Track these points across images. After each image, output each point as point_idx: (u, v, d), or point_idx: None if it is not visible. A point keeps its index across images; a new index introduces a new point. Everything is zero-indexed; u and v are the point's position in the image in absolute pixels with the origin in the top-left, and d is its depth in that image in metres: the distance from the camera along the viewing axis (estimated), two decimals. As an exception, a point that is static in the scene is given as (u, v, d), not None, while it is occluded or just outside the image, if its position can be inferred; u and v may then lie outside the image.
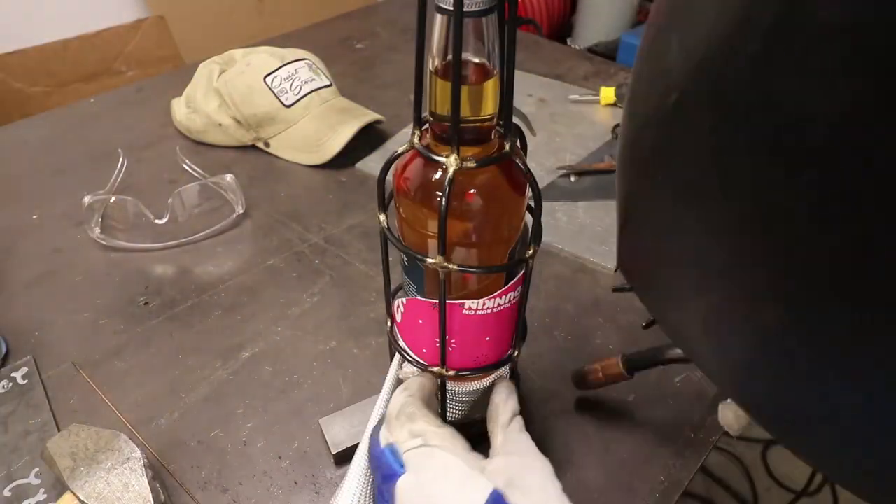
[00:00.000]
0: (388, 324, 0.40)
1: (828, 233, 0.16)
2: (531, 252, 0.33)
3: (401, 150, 0.31)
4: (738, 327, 0.23)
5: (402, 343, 0.39)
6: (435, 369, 0.37)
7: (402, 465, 0.31)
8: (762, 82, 0.16)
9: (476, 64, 0.28)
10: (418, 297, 0.35)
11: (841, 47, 0.14)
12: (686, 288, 0.25)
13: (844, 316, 0.18)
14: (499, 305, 0.34)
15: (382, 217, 0.34)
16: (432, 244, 0.32)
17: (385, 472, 0.31)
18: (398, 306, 0.37)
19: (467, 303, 0.33)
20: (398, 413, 0.33)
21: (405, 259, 0.34)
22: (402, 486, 0.30)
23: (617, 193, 0.30)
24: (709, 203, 0.21)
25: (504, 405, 0.35)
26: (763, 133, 0.17)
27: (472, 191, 0.31)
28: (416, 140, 0.30)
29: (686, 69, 0.19)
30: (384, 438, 0.32)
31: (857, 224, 0.16)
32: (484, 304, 0.34)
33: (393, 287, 0.39)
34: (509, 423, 0.34)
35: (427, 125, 0.31)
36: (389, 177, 0.33)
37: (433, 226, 0.31)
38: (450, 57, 0.26)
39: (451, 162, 0.28)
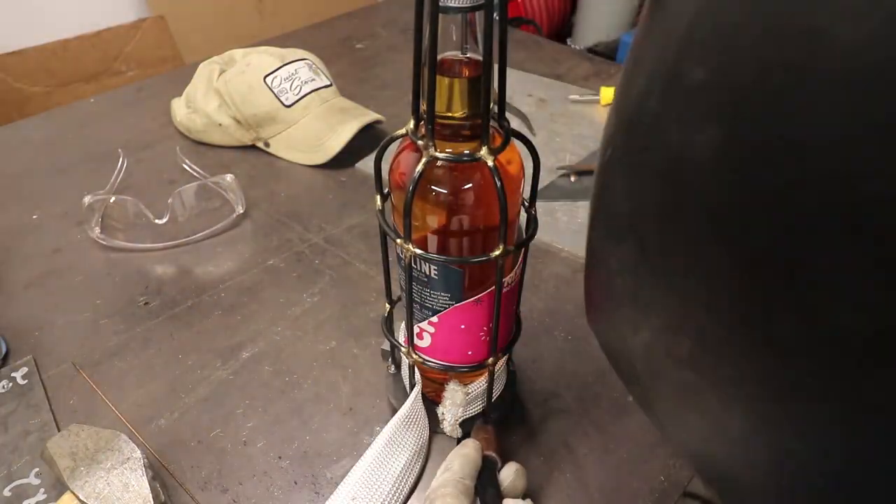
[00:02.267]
0: (409, 352, 0.39)
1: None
2: (501, 251, 0.32)
3: (397, 132, 0.32)
4: None
5: (436, 363, 0.38)
6: (490, 360, 0.38)
7: None
8: (658, 131, 0.20)
9: (455, 61, 0.28)
10: (456, 305, 0.35)
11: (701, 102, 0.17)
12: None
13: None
14: (512, 281, 0.36)
15: (378, 199, 0.34)
16: (430, 239, 0.32)
17: None
18: (423, 329, 0.37)
19: (506, 279, 0.34)
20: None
21: (434, 272, 0.33)
22: None
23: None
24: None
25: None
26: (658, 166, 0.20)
27: (441, 182, 0.31)
28: (410, 125, 0.31)
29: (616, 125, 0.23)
30: None
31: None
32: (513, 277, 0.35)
33: (394, 294, 0.39)
34: None
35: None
36: (386, 175, 0.33)
37: (420, 216, 0.31)
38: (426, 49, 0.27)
39: (427, 152, 0.29)
